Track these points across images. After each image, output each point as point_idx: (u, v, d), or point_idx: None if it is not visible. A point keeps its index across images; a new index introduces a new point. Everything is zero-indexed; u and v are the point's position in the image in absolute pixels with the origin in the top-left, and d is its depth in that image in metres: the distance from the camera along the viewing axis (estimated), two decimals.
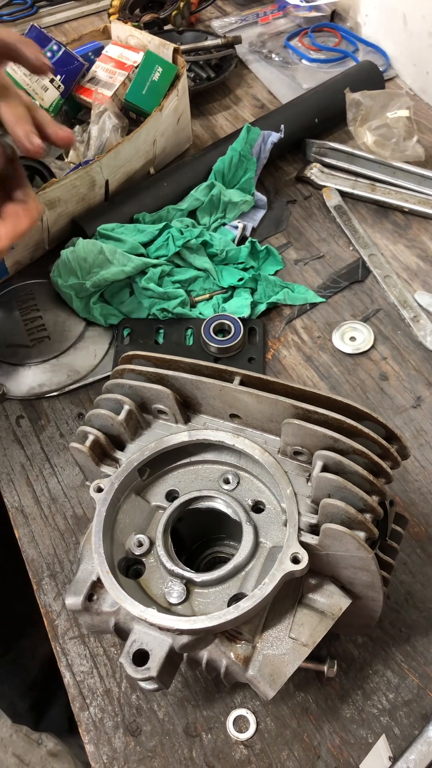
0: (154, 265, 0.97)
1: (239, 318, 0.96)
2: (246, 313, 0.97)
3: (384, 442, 0.53)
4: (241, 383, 0.56)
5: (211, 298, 1.00)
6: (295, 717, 0.69)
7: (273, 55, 1.40)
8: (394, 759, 0.65)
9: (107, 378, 0.95)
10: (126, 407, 0.59)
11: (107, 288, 0.99)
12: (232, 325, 0.94)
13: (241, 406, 0.57)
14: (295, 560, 0.52)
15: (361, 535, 0.51)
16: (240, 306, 0.97)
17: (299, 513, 0.55)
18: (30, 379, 0.94)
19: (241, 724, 0.68)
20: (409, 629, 0.73)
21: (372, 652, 0.72)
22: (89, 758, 0.68)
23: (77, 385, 0.93)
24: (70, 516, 0.83)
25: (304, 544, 0.53)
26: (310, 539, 0.53)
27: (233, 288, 1.01)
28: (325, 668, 0.68)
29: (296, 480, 0.56)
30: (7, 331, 0.98)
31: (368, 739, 0.67)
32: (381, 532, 0.58)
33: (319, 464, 0.52)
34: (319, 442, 0.53)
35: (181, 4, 1.43)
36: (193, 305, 0.99)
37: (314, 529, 0.54)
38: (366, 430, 0.53)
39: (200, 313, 0.98)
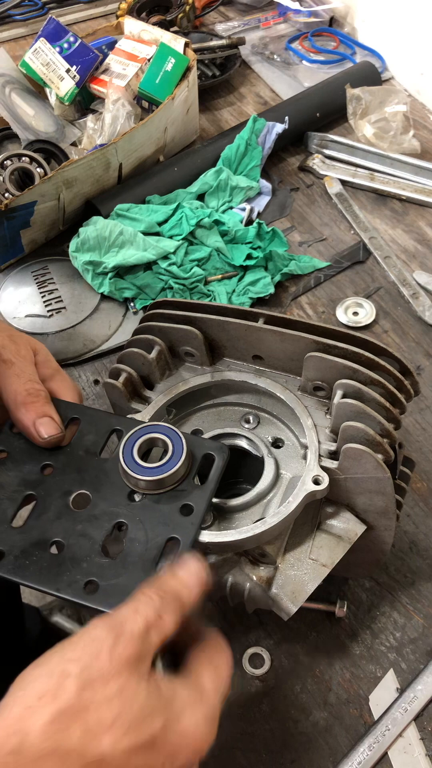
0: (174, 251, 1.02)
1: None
2: (271, 290, 1.02)
3: (399, 375, 0.58)
4: (266, 323, 0.61)
5: (222, 279, 1.04)
6: (307, 654, 0.72)
7: (275, 57, 1.47)
8: (402, 690, 0.69)
9: (122, 347, 0.99)
10: (157, 347, 0.63)
11: None
12: (169, 443, 0.55)
13: (265, 346, 0.62)
14: (316, 482, 0.56)
15: (379, 457, 0.55)
16: (264, 285, 1.02)
17: (319, 442, 0.59)
18: (48, 347, 0.97)
19: (256, 661, 0.72)
20: (414, 575, 0.77)
21: (379, 596, 0.76)
22: None
23: (93, 353, 0.97)
24: None
25: (324, 469, 0.57)
26: (330, 464, 0.57)
27: (244, 268, 1.05)
28: (336, 608, 0.72)
29: (315, 414, 0.61)
30: (25, 302, 1.02)
31: (377, 674, 0.71)
32: (391, 473, 0.62)
33: (339, 392, 0.57)
34: (340, 374, 0.57)
35: (187, 7, 1.50)
36: (206, 283, 1.04)
37: (333, 457, 0.58)
38: (383, 362, 0.57)
39: (210, 290, 1.03)
